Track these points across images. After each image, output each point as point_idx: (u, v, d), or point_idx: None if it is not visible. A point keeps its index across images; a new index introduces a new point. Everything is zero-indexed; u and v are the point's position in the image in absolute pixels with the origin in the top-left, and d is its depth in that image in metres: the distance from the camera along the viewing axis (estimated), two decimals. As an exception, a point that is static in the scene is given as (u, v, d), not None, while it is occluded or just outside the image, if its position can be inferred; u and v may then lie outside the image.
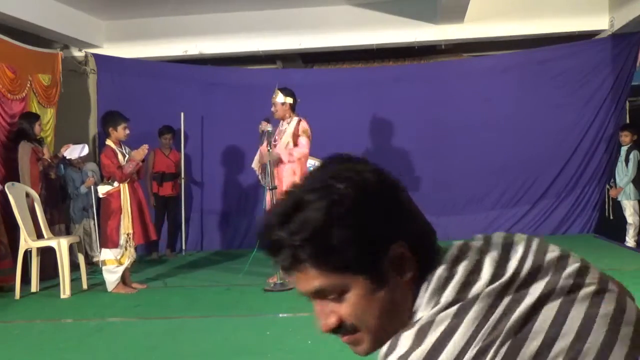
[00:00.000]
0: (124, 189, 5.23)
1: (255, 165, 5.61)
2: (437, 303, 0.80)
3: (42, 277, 5.60)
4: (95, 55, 7.80)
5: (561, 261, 0.84)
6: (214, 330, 3.96)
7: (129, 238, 5.23)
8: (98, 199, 5.89)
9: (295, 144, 5.42)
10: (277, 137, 5.47)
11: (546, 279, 0.81)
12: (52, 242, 5.35)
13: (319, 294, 0.85)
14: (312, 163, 6.90)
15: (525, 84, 7.62)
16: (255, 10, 7.62)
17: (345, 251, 0.81)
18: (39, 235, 5.52)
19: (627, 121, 7.76)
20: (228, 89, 7.83)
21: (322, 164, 0.90)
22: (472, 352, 0.74)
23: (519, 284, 0.80)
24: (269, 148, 5.29)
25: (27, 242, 5.32)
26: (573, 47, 7.62)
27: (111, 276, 5.26)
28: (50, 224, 5.82)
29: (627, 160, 6.82)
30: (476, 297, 0.79)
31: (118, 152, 5.30)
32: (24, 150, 5.83)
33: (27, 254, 5.45)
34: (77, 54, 7.92)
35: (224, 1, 7.32)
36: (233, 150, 7.73)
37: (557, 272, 0.82)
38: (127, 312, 4.64)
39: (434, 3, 7.25)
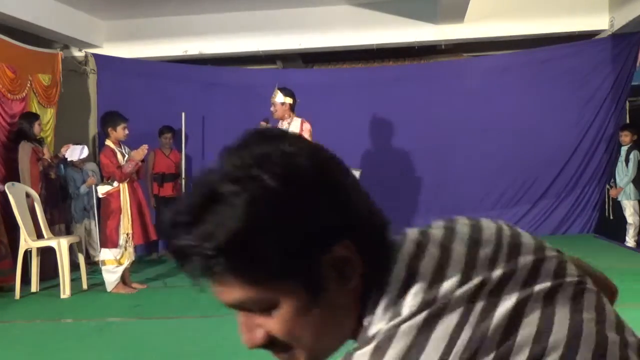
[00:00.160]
0: (124, 189, 5.23)
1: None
2: (396, 313, 0.66)
3: (42, 277, 5.60)
4: (95, 55, 7.80)
5: (537, 257, 0.72)
6: (214, 330, 3.95)
7: (129, 238, 5.23)
8: (98, 199, 5.89)
9: None
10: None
11: (522, 280, 0.69)
12: (52, 242, 5.35)
13: (243, 307, 0.70)
14: None
15: (525, 84, 7.62)
16: (255, 10, 7.62)
17: (273, 259, 0.65)
18: (39, 235, 5.52)
19: (627, 121, 7.76)
20: (228, 89, 7.83)
21: (243, 141, 0.70)
22: None
23: (492, 287, 0.67)
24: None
25: (27, 242, 5.32)
26: (573, 47, 7.62)
27: (110, 276, 5.26)
28: (50, 224, 5.82)
29: (627, 160, 6.82)
30: (445, 304, 0.65)
31: (117, 152, 5.30)
32: (24, 150, 5.83)
33: (27, 254, 5.45)
34: (77, 54, 7.93)
35: (224, 1, 7.32)
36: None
37: (534, 272, 0.71)
38: (127, 312, 4.64)
39: (434, 3, 7.25)
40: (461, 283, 0.67)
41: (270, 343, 0.71)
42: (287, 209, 0.65)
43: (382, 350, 0.64)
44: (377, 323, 0.67)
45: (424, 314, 0.65)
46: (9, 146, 6.04)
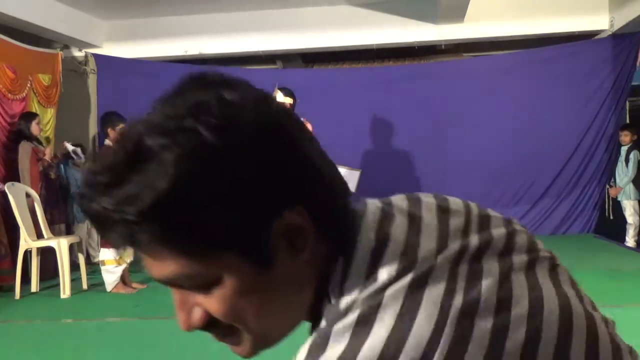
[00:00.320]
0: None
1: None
2: (373, 280, 0.57)
3: (42, 277, 5.60)
4: (95, 55, 7.80)
5: (508, 230, 0.67)
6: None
7: (129, 238, 5.23)
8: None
9: None
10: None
11: (498, 251, 0.63)
12: (52, 242, 5.35)
13: (177, 284, 0.60)
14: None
15: (525, 84, 7.62)
16: (256, 10, 7.62)
17: (210, 227, 0.54)
18: (39, 235, 5.52)
19: (627, 121, 7.76)
20: (228, 89, 7.82)
21: (179, 88, 0.61)
22: (444, 342, 0.53)
23: (473, 254, 0.61)
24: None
25: (27, 242, 5.32)
26: (573, 47, 7.62)
27: (110, 276, 5.26)
28: (50, 223, 5.82)
29: (627, 160, 6.82)
30: (430, 268, 0.58)
31: (118, 152, 5.30)
32: (24, 150, 5.83)
33: (27, 254, 5.45)
34: (77, 54, 7.93)
35: (224, 1, 7.32)
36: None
37: (508, 243, 0.65)
38: (127, 312, 4.64)
39: (434, 3, 7.25)
40: (440, 248, 0.60)
41: (211, 325, 0.61)
42: (226, 166, 0.54)
43: (368, 319, 0.55)
44: (349, 294, 0.57)
45: (408, 277, 0.57)
46: (9, 146, 6.04)
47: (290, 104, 5.48)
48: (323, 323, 0.58)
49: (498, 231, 0.66)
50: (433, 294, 0.56)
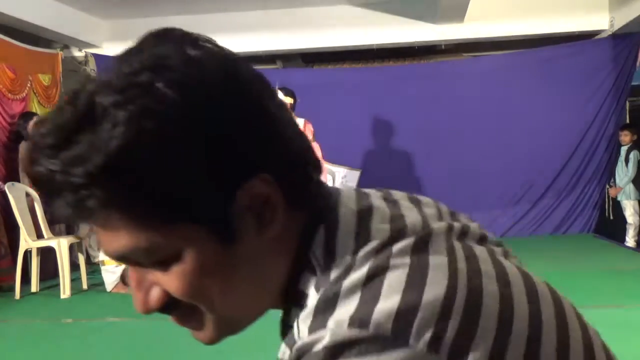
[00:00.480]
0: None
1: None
2: (367, 241, 0.54)
3: (42, 277, 5.60)
4: (95, 55, 7.80)
5: (477, 224, 0.66)
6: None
7: (129, 238, 5.23)
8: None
9: None
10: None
11: (476, 238, 0.62)
12: (52, 242, 5.35)
13: (133, 260, 0.54)
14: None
15: (525, 84, 7.62)
16: (255, 10, 7.62)
17: (167, 193, 0.49)
18: (39, 235, 5.52)
19: (627, 121, 7.76)
20: (228, 89, 7.82)
21: (138, 44, 0.55)
22: (460, 299, 0.50)
23: (459, 233, 0.59)
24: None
25: (27, 242, 5.32)
26: (573, 47, 7.62)
27: (110, 276, 5.26)
28: (50, 223, 5.82)
29: (627, 160, 6.82)
30: (428, 232, 0.56)
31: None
32: (25, 150, 5.84)
33: (27, 253, 5.45)
34: (77, 54, 7.92)
35: (224, 1, 7.32)
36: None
37: (481, 232, 0.64)
38: (127, 312, 4.63)
39: (434, 3, 7.25)
40: (425, 222, 0.57)
41: (171, 307, 0.56)
42: (186, 126, 0.49)
43: (378, 275, 0.51)
44: (343, 257, 0.53)
45: (411, 240, 0.54)
46: (9, 146, 6.04)
47: (290, 103, 5.47)
48: (312, 293, 0.54)
49: (471, 222, 0.65)
50: (438, 256, 0.53)
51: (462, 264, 0.53)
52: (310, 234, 0.56)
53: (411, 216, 0.58)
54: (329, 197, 0.60)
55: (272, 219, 0.54)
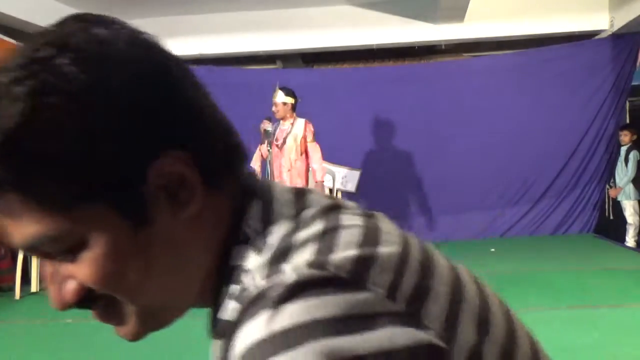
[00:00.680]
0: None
1: (254, 163, 5.61)
2: (307, 206, 0.53)
3: (43, 277, 5.60)
4: (95, 55, 7.80)
5: None
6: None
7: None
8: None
9: (303, 148, 5.42)
10: (278, 137, 5.47)
11: None
12: (52, 242, 5.35)
13: (41, 250, 0.50)
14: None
15: (525, 84, 7.62)
16: (255, 10, 7.62)
17: (70, 173, 0.46)
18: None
19: (627, 121, 7.76)
20: (228, 89, 7.81)
21: (46, 27, 0.53)
22: (414, 260, 0.51)
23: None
24: (268, 148, 5.29)
25: (27, 242, 5.32)
26: (573, 47, 7.62)
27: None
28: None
29: (626, 160, 6.82)
30: (370, 212, 0.57)
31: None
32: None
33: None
34: (77, 54, 7.92)
35: (224, 1, 7.32)
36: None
37: None
38: (127, 312, 4.64)
39: (434, 3, 7.25)
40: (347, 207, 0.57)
41: (89, 300, 0.52)
42: (89, 102, 0.47)
43: (333, 228, 0.50)
44: (286, 222, 0.52)
45: (357, 209, 0.54)
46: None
47: (291, 103, 5.47)
48: (252, 257, 0.50)
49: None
50: (387, 224, 0.54)
51: (411, 238, 0.54)
52: (241, 212, 0.54)
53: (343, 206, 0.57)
54: (261, 181, 0.58)
55: (188, 199, 0.51)
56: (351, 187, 7.26)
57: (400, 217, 7.73)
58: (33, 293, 5.42)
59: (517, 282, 4.92)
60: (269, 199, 0.54)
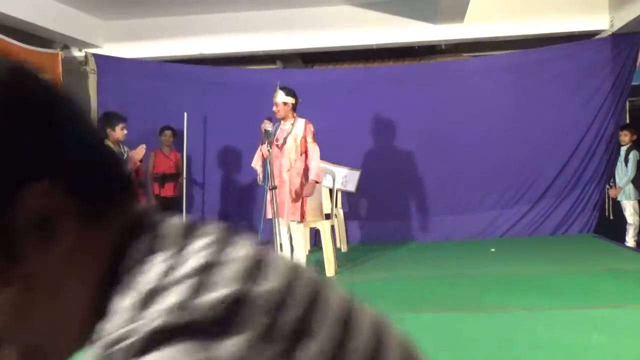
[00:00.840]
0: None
1: (254, 163, 5.60)
2: (191, 240, 0.51)
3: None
4: (96, 55, 7.80)
5: None
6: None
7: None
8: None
9: (304, 148, 5.42)
10: (278, 137, 5.46)
11: None
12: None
13: None
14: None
15: (525, 84, 7.62)
16: (255, 10, 7.62)
17: None
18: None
19: (627, 121, 7.76)
20: (228, 89, 7.83)
21: None
22: (300, 289, 0.50)
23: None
24: (268, 148, 5.28)
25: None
26: (573, 47, 7.62)
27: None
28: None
29: (626, 160, 6.82)
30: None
31: (116, 151, 5.31)
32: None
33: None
34: (77, 54, 7.92)
35: (224, 1, 7.32)
36: (233, 150, 7.74)
37: None
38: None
39: (434, 3, 7.24)
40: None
41: None
42: None
43: (209, 270, 0.46)
44: (164, 259, 0.48)
45: (244, 240, 0.52)
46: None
47: (292, 103, 5.46)
48: (125, 299, 0.47)
49: None
50: (272, 257, 0.51)
51: (302, 272, 0.52)
52: (123, 249, 0.50)
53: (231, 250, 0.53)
54: (151, 216, 0.55)
55: (58, 233, 0.47)
56: (351, 187, 7.26)
57: (400, 217, 7.74)
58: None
59: (517, 282, 4.92)
60: (155, 235, 0.51)
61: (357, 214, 7.83)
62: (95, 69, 7.85)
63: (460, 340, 3.38)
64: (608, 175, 7.33)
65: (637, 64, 7.53)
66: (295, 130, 5.43)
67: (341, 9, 7.58)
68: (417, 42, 7.70)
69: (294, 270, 0.52)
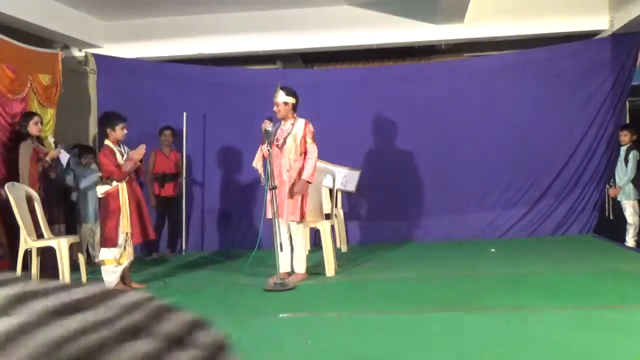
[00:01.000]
0: (122, 188, 5.23)
1: (255, 163, 5.60)
2: None
3: (42, 277, 5.59)
4: (95, 55, 7.80)
5: None
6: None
7: (128, 237, 5.23)
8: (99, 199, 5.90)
9: (303, 149, 5.41)
10: (279, 137, 5.46)
11: None
12: (52, 242, 5.34)
13: None
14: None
15: (525, 84, 7.62)
16: (255, 11, 7.62)
17: None
18: (39, 235, 5.52)
19: (627, 121, 7.76)
20: (228, 88, 7.83)
21: None
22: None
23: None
24: (269, 148, 5.28)
25: (27, 242, 5.32)
26: (573, 47, 7.62)
27: (110, 276, 5.26)
28: (50, 224, 5.82)
29: (626, 160, 6.82)
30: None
31: (117, 151, 5.30)
32: (25, 149, 5.83)
33: (27, 254, 5.44)
34: (77, 54, 7.92)
35: (224, 1, 7.32)
36: (233, 150, 7.74)
37: None
38: (127, 312, 4.63)
39: (434, 3, 7.25)
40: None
41: None
42: None
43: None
44: None
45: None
46: (9, 146, 6.04)
47: (292, 103, 5.46)
48: None
49: None
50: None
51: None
52: None
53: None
54: None
55: None
56: (351, 187, 7.26)
57: (400, 217, 7.74)
58: (33, 293, 5.41)
59: (516, 282, 4.92)
60: None
61: (357, 214, 7.83)
62: (95, 69, 7.85)
63: (460, 340, 3.38)
64: (608, 175, 7.33)
65: (637, 64, 7.53)
66: (295, 131, 5.43)
67: (341, 9, 7.58)
68: (417, 42, 7.70)
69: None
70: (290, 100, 5.43)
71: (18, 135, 5.95)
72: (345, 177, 7.21)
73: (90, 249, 6.90)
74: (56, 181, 6.32)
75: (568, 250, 6.55)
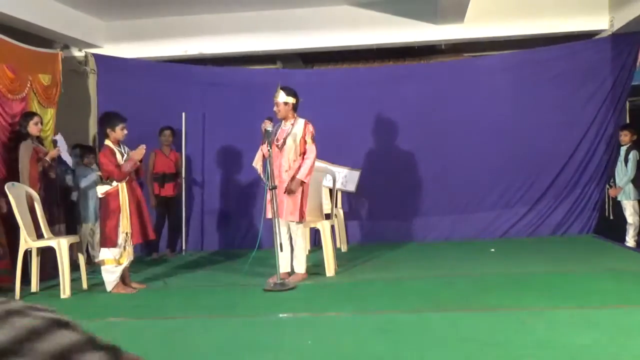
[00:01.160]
0: (122, 188, 5.23)
1: (256, 163, 5.60)
2: None
3: (42, 277, 5.60)
4: (95, 55, 7.80)
5: None
6: (214, 330, 3.96)
7: (128, 237, 5.23)
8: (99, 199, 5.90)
9: (302, 149, 5.41)
10: (279, 137, 5.46)
11: None
12: (52, 242, 5.34)
13: None
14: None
15: (525, 84, 7.62)
16: (255, 11, 7.63)
17: None
18: (39, 236, 5.52)
19: (627, 121, 7.76)
20: (228, 88, 7.83)
21: None
22: None
23: None
24: (269, 148, 5.28)
25: (27, 241, 5.32)
26: (573, 47, 7.62)
27: (110, 276, 5.26)
28: (50, 224, 5.82)
29: (626, 160, 6.82)
30: None
31: (117, 151, 5.30)
32: (26, 150, 5.83)
33: (27, 254, 5.44)
34: (77, 54, 7.92)
35: (224, 1, 7.32)
36: (233, 150, 7.74)
37: None
38: (127, 312, 4.64)
39: (434, 3, 7.25)
40: None
41: None
42: None
43: None
44: None
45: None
46: (9, 146, 6.04)
47: (293, 103, 5.46)
48: None
49: None
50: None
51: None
52: None
53: None
54: None
55: None
56: (351, 187, 7.26)
57: (400, 217, 7.74)
58: (33, 293, 5.41)
59: (516, 282, 4.92)
60: None
61: (357, 214, 7.83)
62: (95, 69, 7.85)
63: (460, 340, 3.38)
64: (608, 175, 7.33)
65: (637, 63, 7.53)
66: (294, 131, 5.43)
67: (341, 9, 7.58)
68: (417, 42, 7.70)
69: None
70: (291, 100, 5.43)
71: (18, 135, 5.95)
72: (345, 177, 7.21)
73: (90, 249, 6.90)
74: (56, 181, 6.32)
75: (568, 251, 6.55)
